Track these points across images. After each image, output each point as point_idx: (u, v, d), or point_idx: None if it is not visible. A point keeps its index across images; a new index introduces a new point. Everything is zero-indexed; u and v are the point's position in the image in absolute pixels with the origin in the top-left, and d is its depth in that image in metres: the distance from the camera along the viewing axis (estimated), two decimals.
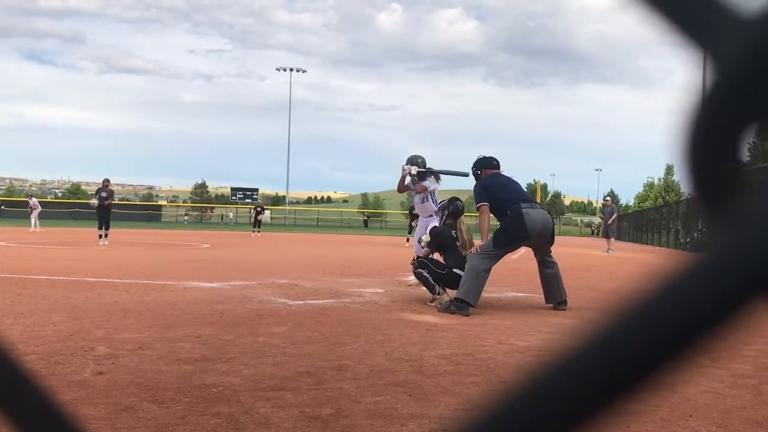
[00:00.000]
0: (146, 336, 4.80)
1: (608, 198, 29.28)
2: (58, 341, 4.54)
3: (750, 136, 0.24)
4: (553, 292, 7.06)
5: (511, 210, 6.82)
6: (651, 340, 0.26)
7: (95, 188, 20.24)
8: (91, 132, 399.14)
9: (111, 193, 18.79)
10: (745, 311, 0.23)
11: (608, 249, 23.32)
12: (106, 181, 18.98)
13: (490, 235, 6.95)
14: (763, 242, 0.22)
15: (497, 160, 7.44)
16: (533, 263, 7.40)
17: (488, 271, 6.71)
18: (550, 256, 7.17)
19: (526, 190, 7.86)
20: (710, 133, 0.24)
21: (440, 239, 7.18)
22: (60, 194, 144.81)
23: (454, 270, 6.91)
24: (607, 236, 24.55)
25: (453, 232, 7.13)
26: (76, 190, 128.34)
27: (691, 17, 0.26)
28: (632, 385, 0.27)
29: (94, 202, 18.50)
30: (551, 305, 7.00)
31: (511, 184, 7.26)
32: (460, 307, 6.38)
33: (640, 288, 0.27)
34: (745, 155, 0.24)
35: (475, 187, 7.26)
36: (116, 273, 9.56)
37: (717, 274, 0.23)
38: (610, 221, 24.40)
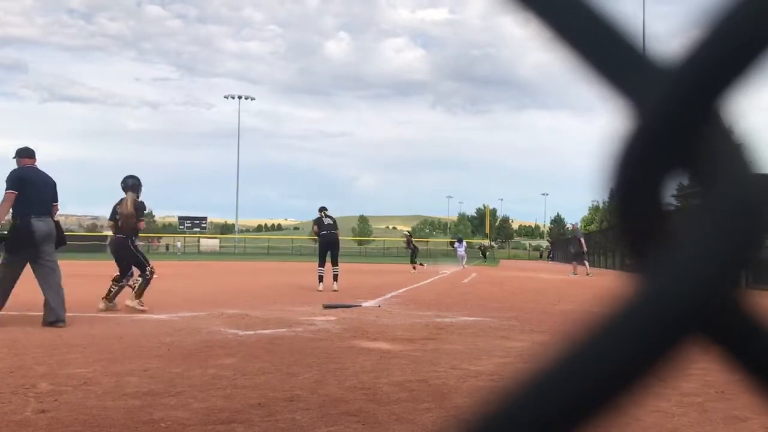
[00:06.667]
0: (91, 371, 4.66)
1: (574, 223, 29.77)
2: None
3: (674, 181, 0.25)
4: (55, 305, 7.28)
5: (22, 218, 7.29)
6: (595, 376, 0.27)
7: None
8: None
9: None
10: (673, 350, 0.24)
11: (587, 273, 22.67)
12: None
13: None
14: (682, 285, 0.23)
15: (33, 151, 7.76)
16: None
17: (13, 279, 7.49)
18: (53, 259, 7.61)
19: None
20: (632, 178, 0.25)
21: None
22: None
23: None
24: (581, 261, 23.54)
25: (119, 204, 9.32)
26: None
27: (615, 67, 0.27)
28: (585, 413, 0.28)
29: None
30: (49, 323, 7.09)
31: (44, 189, 7.56)
32: None
33: (582, 326, 0.28)
34: (668, 200, 0.25)
35: (12, 172, 7.51)
36: None
37: (643, 317, 0.24)
38: (585, 248, 23.85)
